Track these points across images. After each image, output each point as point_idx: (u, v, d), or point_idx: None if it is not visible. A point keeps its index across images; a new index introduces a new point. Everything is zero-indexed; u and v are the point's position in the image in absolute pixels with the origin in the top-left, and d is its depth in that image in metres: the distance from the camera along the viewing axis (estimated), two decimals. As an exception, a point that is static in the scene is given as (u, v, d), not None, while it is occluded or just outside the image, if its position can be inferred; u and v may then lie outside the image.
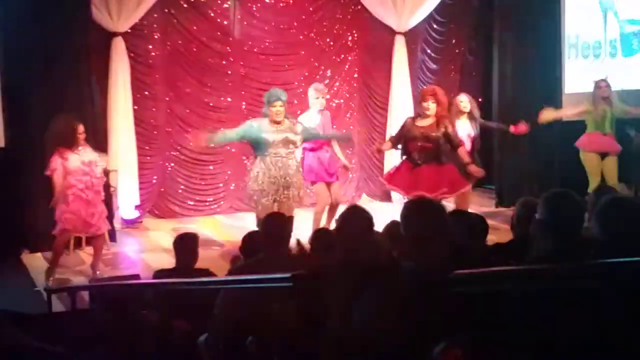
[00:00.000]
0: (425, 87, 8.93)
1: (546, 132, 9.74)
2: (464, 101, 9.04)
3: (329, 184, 8.73)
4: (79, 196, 7.45)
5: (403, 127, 8.23)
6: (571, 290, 2.64)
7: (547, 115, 9.37)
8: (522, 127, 9.23)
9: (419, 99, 8.47)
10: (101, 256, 8.00)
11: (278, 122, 7.72)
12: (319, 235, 5.30)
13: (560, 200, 3.21)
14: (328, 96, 9.74)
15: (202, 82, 10.41)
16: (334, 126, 11.06)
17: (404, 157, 8.27)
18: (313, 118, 8.57)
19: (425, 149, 8.01)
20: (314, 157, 8.60)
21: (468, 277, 2.85)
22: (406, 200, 7.85)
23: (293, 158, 7.90)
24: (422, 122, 8.08)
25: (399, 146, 8.32)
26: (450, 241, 3.23)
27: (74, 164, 7.40)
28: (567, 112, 9.62)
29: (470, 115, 9.06)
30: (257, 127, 7.72)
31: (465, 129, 8.97)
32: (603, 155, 9.30)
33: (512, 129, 9.33)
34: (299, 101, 10.11)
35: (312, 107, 8.64)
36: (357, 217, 3.81)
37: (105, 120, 9.53)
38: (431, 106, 8.02)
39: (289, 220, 5.01)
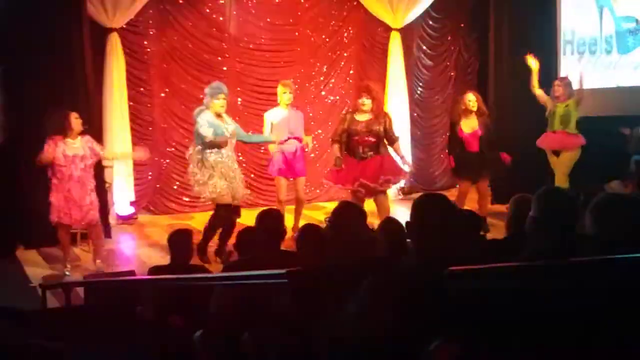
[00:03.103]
0: (360, 83, 9.01)
1: (540, 130, 9.74)
2: (472, 100, 9.01)
3: (293, 180, 8.83)
4: (57, 187, 7.55)
5: (343, 121, 8.28)
6: (566, 287, 2.64)
7: (530, 61, 9.53)
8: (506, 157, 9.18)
9: (354, 94, 8.55)
10: (100, 247, 8.02)
11: (220, 116, 7.92)
12: (307, 231, 5.32)
13: (553, 198, 3.22)
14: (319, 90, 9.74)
15: (198, 79, 10.40)
16: (330, 122, 11.10)
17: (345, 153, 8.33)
18: (280, 113, 8.71)
19: (369, 143, 8.17)
20: (278, 151, 8.72)
21: (464, 273, 2.85)
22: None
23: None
24: (361, 117, 8.20)
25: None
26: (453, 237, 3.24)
27: (57, 154, 7.49)
28: (537, 89, 9.66)
29: (478, 113, 9.04)
30: (213, 121, 7.88)
31: (471, 127, 9.01)
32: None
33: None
34: (295, 98, 10.10)
35: (281, 102, 8.75)
36: (349, 213, 3.82)
37: (100, 117, 9.50)
38: (366, 102, 8.17)
39: (283, 217, 5.02)
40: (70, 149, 7.57)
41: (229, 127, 8.00)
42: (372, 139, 8.17)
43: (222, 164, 7.89)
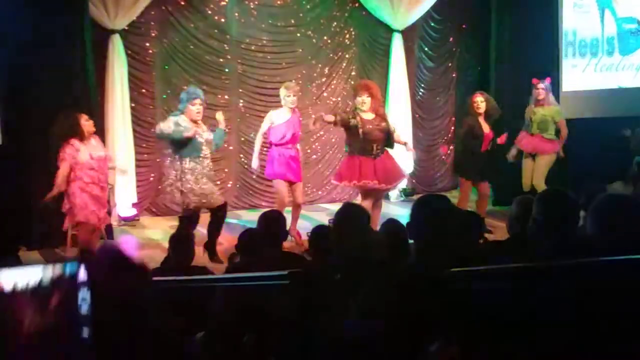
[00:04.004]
0: (359, 82, 9.06)
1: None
2: (477, 101, 8.97)
3: (290, 183, 8.77)
4: (83, 189, 7.48)
5: (357, 119, 8.25)
6: (567, 288, 2.64)
7: (513, 151, 9.70)
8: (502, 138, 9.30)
9: (352, 93, 8.54)
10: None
11: (196, 122, 7.85)
12: (319, 232, 5.31)
13: (555, 199, 3.23)
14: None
15: (199, 80, 10.39)
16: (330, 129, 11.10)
17: (354, 151, 8.38)
18: (283, 115, 8.66)
19: (381, 140, 8.29)
20: (278, 153, 8.65)
21: (465, 275, 2.86)
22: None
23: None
24: (367, 116, 8.27)
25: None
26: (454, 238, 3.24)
27: (84, 156, 7.44)
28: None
29: (487, 115, 9.01)
30: (184, 127, 7.77)
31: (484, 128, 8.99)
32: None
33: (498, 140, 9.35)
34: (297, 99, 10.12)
35: (284, 105, 8.69)
36: (353, 215, 3.82)
37: (102, 118, 9.49)
38: (366, 100, 8.23)
39: (285, 218, 5.01)
40: (96, 151, 7.58)
41: (204, 134, 7.96)
42: (383, 135, 8.28)
43: (198, 171, 7.87)
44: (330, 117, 8.42)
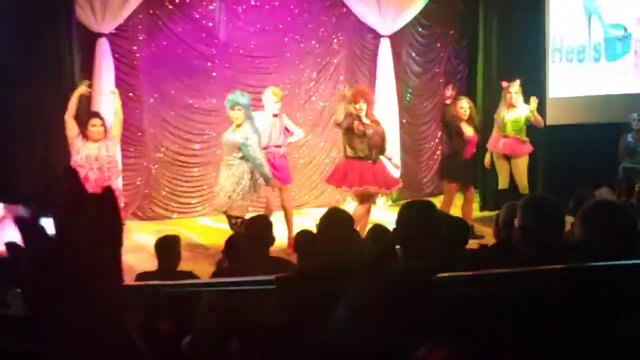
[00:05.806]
0: (356, 88, 9.04)
1: (530, 135, 9.77)
2: (464, 107, 9.02)
3: (279, 188, 8.77)
4: None
5: (362, 124, 8.29)
6: (553, 294, 2.64)
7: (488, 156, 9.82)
8: None
9: (349, 100, 8.45)
10: None
11: (239, 127, 8.01)
12: (302, 237, 5.30)
13: (538, 205, 3.23)
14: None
15: (187, 84, 10.39)
16: (320, 128, 11.09)
17: (354, 156, 8.37)
18: (266, 119, 8.62)
19: (379, 145, 8.35)
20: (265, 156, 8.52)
21: (452, 280, 2.85)
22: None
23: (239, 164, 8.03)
24: (365, 121, 8.30)
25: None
26: (440, 244, 3.24)
27: (75, 155, 7.62)
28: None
29: (470, 119, 9.05)
30: (226, 134, 8.18)
31: (468, 132, 9.04)
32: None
33: None
34: (284, 104, 10.11)
35: (268, 109, 8.69)
36: (337, 219, 3.82)
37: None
38: (363, 106, 8.27)
39: (271, 223, 5.00)
40: (85, 149, 7.73)
41: (234, 136, 8.01)
42: (381, 141, 8.37)
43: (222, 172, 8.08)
44: (340, 119, 8.34)
